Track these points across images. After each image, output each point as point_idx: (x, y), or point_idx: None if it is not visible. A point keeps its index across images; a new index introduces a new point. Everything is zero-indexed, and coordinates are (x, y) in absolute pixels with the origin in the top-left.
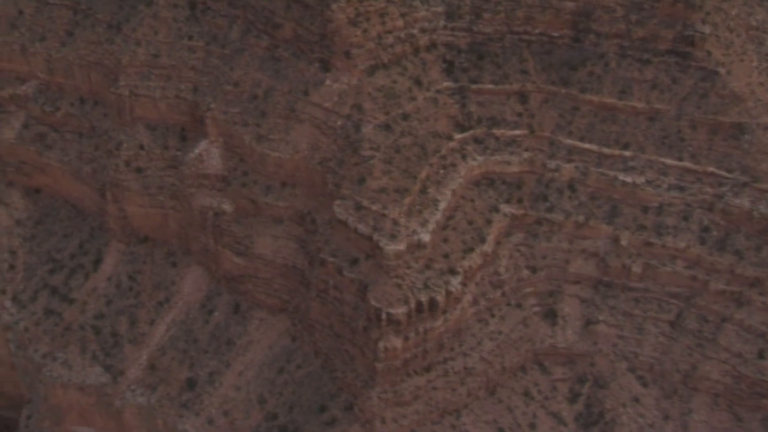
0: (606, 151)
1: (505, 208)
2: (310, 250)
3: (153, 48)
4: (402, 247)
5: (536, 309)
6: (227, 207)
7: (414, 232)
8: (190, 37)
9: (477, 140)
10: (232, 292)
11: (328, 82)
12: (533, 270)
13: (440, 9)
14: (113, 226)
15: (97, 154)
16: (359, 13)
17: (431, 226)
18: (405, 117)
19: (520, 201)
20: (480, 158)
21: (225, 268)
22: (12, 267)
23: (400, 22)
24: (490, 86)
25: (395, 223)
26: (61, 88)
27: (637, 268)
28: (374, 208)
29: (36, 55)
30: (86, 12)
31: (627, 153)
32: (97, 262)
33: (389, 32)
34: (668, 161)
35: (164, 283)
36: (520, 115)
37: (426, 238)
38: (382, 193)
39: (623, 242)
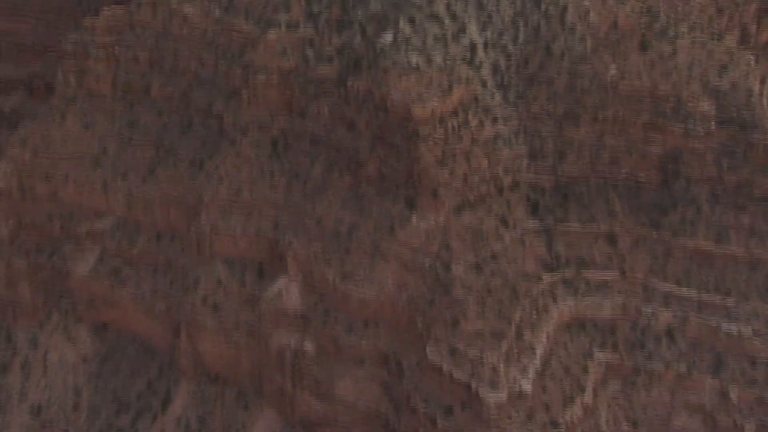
0: (706, 297)
1: (600, 355)
2: (396, 395)
3: (235, 185)
4: (504, 396)
5: None
6: (309, 347)
7: (515, 380)
8: (272, 174)
9: (567, 282)
10: None
11: (414, 220)
12: (634, 424)
13: (523, 149)
14: (184, 364)
15: (172, 290)
16: (446, 153)
17: (531, 374)
18: (494, 257)
19: (614, 347)
20: (571, 301)
21: (301, 412)
22: (76, 407)
23: (485, 162)
24: (577, 227)
25: (494, 369)
26: (138, 223)
27: (750, 427)
28: (471, 353)
29: (117, 192)
30: (169, 149)
31: (729, 301)
32: (166, 402)
33: (475, 172)
34: None
35: (235, 425)
36: (609, 257)
37: (528, 387)
38: (478, 337)
39: (732, 397)
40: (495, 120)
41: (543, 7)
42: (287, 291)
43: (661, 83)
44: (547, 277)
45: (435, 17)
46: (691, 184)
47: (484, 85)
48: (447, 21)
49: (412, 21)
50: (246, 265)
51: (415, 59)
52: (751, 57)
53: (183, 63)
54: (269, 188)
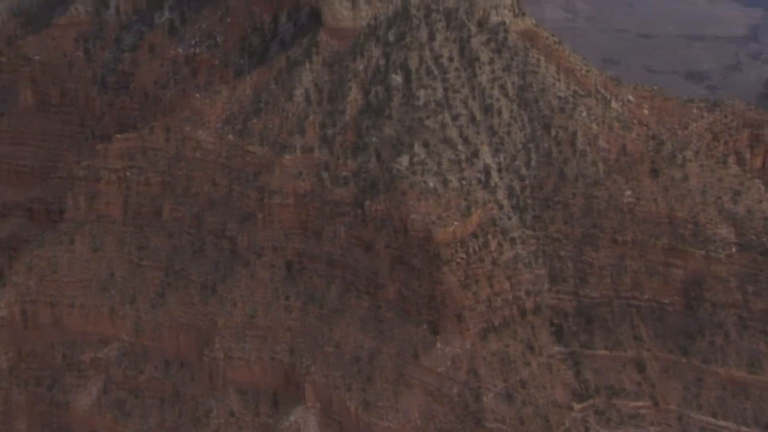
0: (745, 430)
1: None
2: None
3: (249, 308)
4: None
5: None
6: None
7: None
8: (287, 297)
9: (598, 411)
10: None
11: (439, 345)
12: None
13: (543, 272)
14: None
15: (180, 421)
16: (468, 275)
17: None
18: (523, 384)
19: None
20: None
21: None
22: None
23: (506, 285)
24: (604, 352)
25: None
26: (145, 350)
27: None
28: None
29: (124, 317)
30: (179, 273)
31: None
32: None
33: (497, 295)
34: None
35: None
36: (639, 384)
37: None
38: None
39: None
40: (513, 242)
41: (553, 132)
42: (305, 422)
43: (678, 207)
44: (577, 407)
45: (448, 141)
46: (717, 309)
47: (500, 207)
48: (460, 145)
49: (426, 145)
50: (260, 394)
51: (432, 182)
52: (760, 182)
53: (195, 186)
54: (285, 311)
